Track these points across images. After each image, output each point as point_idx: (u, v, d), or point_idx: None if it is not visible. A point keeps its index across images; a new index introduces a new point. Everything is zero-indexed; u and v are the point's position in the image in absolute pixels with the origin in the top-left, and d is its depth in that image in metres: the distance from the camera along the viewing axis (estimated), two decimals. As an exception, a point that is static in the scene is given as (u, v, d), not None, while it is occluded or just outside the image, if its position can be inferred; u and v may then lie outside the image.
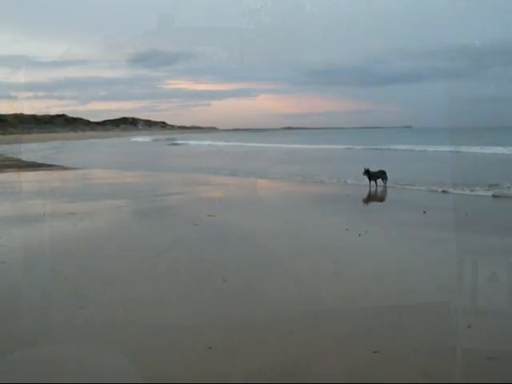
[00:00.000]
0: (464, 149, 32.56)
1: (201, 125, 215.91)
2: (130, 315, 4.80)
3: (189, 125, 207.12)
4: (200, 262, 6.63)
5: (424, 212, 10.09)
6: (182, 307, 5.01)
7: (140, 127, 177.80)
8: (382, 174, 14.30)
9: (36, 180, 18.05)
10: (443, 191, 12.99)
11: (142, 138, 78.43)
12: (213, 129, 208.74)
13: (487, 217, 10.24)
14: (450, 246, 7.56)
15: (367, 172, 14.19)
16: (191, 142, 57.96)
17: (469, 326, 4.44)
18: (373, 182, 14.23)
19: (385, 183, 14.27)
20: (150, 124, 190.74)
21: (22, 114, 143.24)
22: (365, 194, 13.47)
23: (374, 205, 12.49)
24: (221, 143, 55.25)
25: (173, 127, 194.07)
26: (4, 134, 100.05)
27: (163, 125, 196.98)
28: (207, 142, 56.91)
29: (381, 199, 13.20)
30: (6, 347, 4.11)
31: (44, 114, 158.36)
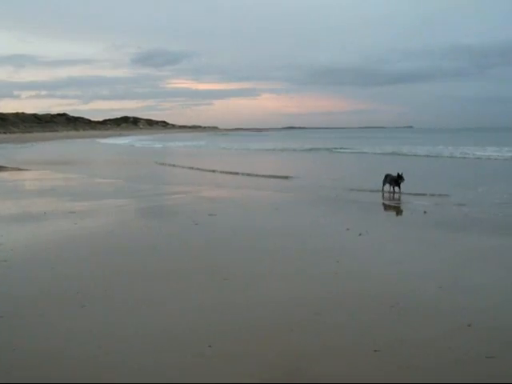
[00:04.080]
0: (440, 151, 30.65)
1: (202, 124, 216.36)
2: (130, 313, 4.81)
3: (190, 124, 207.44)
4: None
5: (424, 212, 10.10)
6: (183, 306, 5.01)
7: (141, 126, 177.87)
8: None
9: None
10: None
11: (111, 140, 72.89)
12: (214, 128, 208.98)
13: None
14: (450, 245, 7.57)
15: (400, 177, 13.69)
16: (157, 145, 53.99)
17: (469, 325, 4.45)
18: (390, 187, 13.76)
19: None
20: (150, 123, 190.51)
21: (23, 113, 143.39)
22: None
23: (375, 205, 12.45)
24: (187, 143, 56.32)
25: (174, 126, 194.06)
26: (5, 132, 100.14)
27: (164, 124, 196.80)
28: (176, 143, 57.49)
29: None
30: (8, 346, 4.12)
31: (45, 112, 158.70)
